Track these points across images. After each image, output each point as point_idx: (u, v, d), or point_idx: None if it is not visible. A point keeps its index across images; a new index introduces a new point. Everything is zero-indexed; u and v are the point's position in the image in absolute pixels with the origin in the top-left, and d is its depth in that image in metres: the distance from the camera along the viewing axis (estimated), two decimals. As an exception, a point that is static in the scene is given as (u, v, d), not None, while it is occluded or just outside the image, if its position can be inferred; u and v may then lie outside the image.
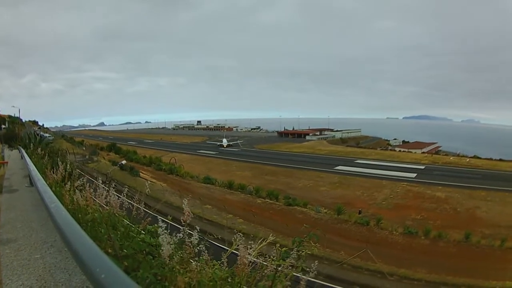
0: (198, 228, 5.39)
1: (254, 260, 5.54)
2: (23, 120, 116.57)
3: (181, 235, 5.33)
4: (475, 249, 46.52)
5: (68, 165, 12.84)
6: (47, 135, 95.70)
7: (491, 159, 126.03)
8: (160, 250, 5.06)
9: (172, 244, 5.06)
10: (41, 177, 11.27)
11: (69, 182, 10.25)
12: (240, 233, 5.69)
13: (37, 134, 48.71)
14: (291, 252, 5.46)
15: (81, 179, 9.83)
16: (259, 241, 5.84)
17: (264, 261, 5.60)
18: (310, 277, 5.43)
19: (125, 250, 5.52)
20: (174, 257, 5.09)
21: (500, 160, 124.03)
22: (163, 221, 5.36)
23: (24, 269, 6.43)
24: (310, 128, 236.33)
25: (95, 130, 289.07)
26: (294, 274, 5.49)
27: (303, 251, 5.55)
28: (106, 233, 6.18)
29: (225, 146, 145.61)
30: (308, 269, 5.42)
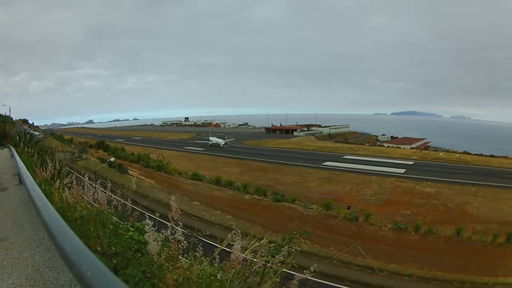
0: (181, 224, 5.23)
1: (244, 257, 5.48)
2: (14, 119, 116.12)
3: (168, 232, 5.27)
4: (466, 245, 46.64)
5: (57, 163, 12.91)
6: (36, 133, 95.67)
7: (481, 155, 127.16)
8: (147, 248, 5.03)
9: (159, 241, 5.03)
10: (30, 175, 11.16)
11: (58, 180, 10.43)
12: (237, 230, 5.50)
13: (27, 133, 48.41)
14: (282, 249, 5.42)
15: (69, 176, 9.80)
16: (250, 239, 5.95)
17: (254, 258, 5.58)
18: (300, 274, 5.27)
19: (113, 248, 5.51)
20: (162, 254, 5.03)
21: (491, 156, 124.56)
22: (150, 218, 5.35)
23: (14, 268, 6.38)
24: (298, 124, 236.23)
25: (84, 127, 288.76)
26: (285, 270, 5.52)
27: (292, 248, 5.55)
28: (95, 231, 6.19)
29: (222, 145, 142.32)
30: (296, 267, 5.41)
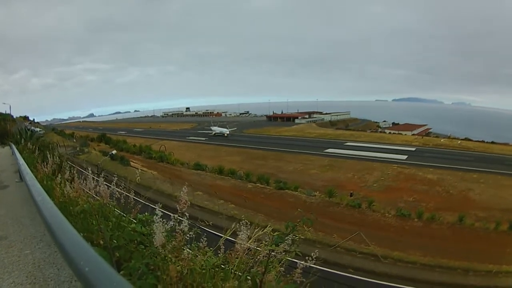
0: (187, 215, 5.21)
1: (248, 246, 5.52)
2: (14, 117, 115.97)
3: (172, 223, 5.18)
4: (469, 232, 46.60)
5: (58, 158, 13.05)
6: (37, 129, 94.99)
7: (483, 141, 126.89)
8: (153, 239, 4.96)
9: (164, 232, 4.95)
10: (30, 171, 11.19)
11: (59, 174, 10.30)
12: (245, 220, 5.53)
13: (28, 129, 48.27)
14: (285, 238, 5.40)
15: (71, 171, 9.78)
16: (254, 227, 5.92)
17: (258, 247, 5.62)
18: (303, 262, 5.25)
19: (115, 241, 5.49)
20: (167, 246, 5.01)
21: (492, 142, 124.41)
22: (158, 209, 5.18)
23: (14, 266, 6.36)
24: (299, 111, 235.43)
25: (85, 121, 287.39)
26: (288, 259, 5.48)
27: (296, 236, 5.50)
28: (97, 225, 6.20)
29: (226, 135, 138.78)
30: (300, 255, 5.32)
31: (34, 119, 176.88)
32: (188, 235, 5.17)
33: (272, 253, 5.28)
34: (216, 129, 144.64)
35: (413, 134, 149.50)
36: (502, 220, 47.68)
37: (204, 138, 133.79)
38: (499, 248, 40.55)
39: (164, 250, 4.96)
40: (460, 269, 35.24)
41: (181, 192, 5.48)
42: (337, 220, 47.73)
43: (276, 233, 5.64)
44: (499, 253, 38.68)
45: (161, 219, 4.92)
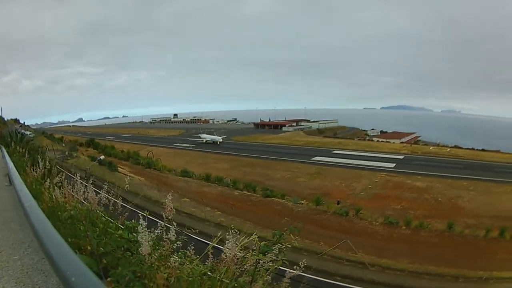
0: (175, 224, 5.30)
1: (235, 254, 5.41)
2: (5, 119, 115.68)
3: (159, 231, 5.28)
4: (458, 239, 46.89)
5: (47, 162, 12.90)
6: (28, 132, 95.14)
7: (473, 149, 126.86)
8: (139, 249, 4.96)
9: (150, 241, 4.98)
10: (18, 176, 11.16)
11: (48, 179, 10.15)
12: (234, 230, 5.53)
13: (19, 132, 48.08)
14: (273, 248, 5.44)
15: (59, 175, 9.96)
16: (240, 236, 5.77)
17: (245, 256, 5.56)
18: (291, 271, 5.44)
19: (101, 248, 5.45)
20: (153, 254, 5.03)
21: (483, 150, 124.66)
22: (143, 217, 5.27)
23: (4, 272, 6.30)
24: (287, 119, 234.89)
25: (74, 126, 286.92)
26: (276, 266, 5.46)
27: (283, 245, 5.53)
28: (84, 231, 6.12)
29: (219, 143, 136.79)
30: (287, 263, 5.43)
31: (24, 122, 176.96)
32: (176, 244, 5.21)
33: (259, 262, 5.33)
34: (207, 137, 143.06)
35: (401, 142, 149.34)
36: (492, 227, 47.95)
37: (191, 145, 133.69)
38: (489, 254, 41.01)
39: (151, 258, 4.96)
40: (450, 276, 35.32)
41: (166, 200, 5.55)
42: (324, 228, 47.95)
43: (263, 242, 5.66)
44: (489, 260, 39.06)
45: (146, 229, 4.94)
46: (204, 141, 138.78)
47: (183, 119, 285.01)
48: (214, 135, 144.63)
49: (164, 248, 5.14)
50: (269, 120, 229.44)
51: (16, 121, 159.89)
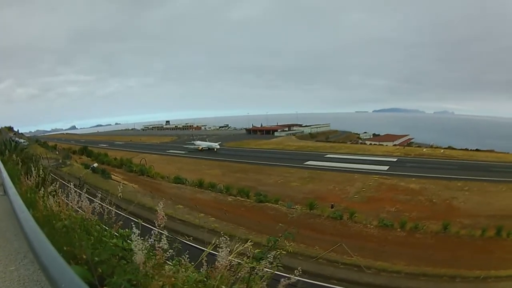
0: (165, 229, 5.45)
1: (230, 261, 5.48)
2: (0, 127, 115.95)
3: (152, 240, 5.34)
4: (454, 240, 47.03)
5: (41, 170, 12.70)
6: (22, 140, 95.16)
7: (467, 149, 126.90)
8: (133, 257, 5.03)
9: (144, 250, 5.02)
10: (13, 185, 10.95)
11: (43, 187, 10.07)
12: (225, 236, 5.61)
13: (13, 140, 47.93)
14: (268, 255, 5.48)
15: (54, 184, 9.86)
16: (235, 242, 5.86)
17: (240, 262, 5.58)
18: (287, 275, 5.40)
19: (96, 258, 5.36)
20: (147, 262, 5.04)
21: (477, 150, 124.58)
22: (137, 225, 5.37)
23: (1, 283, 6.23)
24: (279, 124, 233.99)
25: (68, 133, 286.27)
26: (270, 271, 5.50)
27: (278, 251, 5.62)
28: (79, 240, 6.08)
29: (216, 149, 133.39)
30: (282, 268, 5.57)
31: (18, 130, 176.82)
32: (168, 252, 5.25)
33: (254, 270, 5.32)
34: (202, 144, 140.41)
35: (394, 145, 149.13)
36: (488, 226, 48.20)
37: (184, 152, 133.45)
38: (486, 254, 41.25)
39: (146, 267, 4.96)
40: (446, 276, 35.52)
41: (157, 207, 5.72)
42: (318, 232, 48.05)
43: (257, 250, 5.72)
44: (486, 259, 39.31)
45: (139, 237, 5.00)
46: (200, 148, 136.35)
47: (175, 126, 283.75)
48: (206, 141, 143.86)
49: (157, 257, 5.16)
50: (261, 125, 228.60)
51: (10, 129, 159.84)
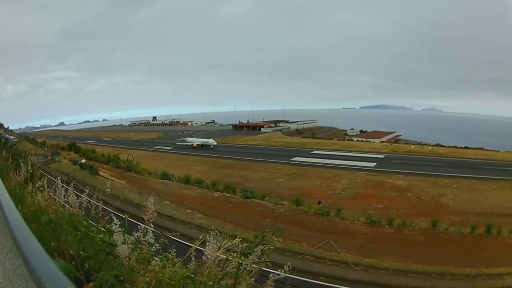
0: (152, 224, 5.33)
1: (217, 256, 5.46)
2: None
3: (138, 234, 5.27)
4: (444, 237, 47.30)
5: (30, 166, 12.70)
6: (11, 137, 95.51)
7: (455, 147, 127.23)
8: (116, 250, 5.05)
9: (129, 243, 5.02)
10: (1, 181, 10.72)
11: (31, 183, 10.01)
12: (215, 230, 5.65)
13: (3, 137, 47.82)
14: (255, 249, 5.51)
15: (42, 179, 9.78)
16: (222, 238, 5.84)
17: (227, 258, 5.59)
18: (275, 272, 5.37)
19: (81, 253, 5.40)
20: (132, 256, 4.99)
21: (466, 147, 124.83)
22: (119, 218, 5.40)
23: None
24: (265, 120, 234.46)
25: (56, 130, 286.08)
26: (257, 267, 5.48)
27: (266, 246, 5.62)
28: (65, 235, 6.11)
29: (212, 146, 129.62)
30: (270, 264, 5.50)
31: (8, 127, 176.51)
32: (154, 246, 5.19)
33: (241, 265, 5.32)
34: (196, 140, 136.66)
35: (381, 141, 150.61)
36: (478, 223, 48.47)
37: (170, 147, 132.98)
38: (476, 251, 41.49)
39: (129, 260, 4.93)
40: (436, 274, 35.51)
41: (148, 203, 5.51)
42: (305, 228, 48.41)
43: (244, 244, 5.71)
44: (477, 257, 39.49)
45: (120, 229, 4.99)
46: (195, 144, 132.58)
47: (162, 122, 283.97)
48: (193, 137, 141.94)
49: (143, 252, 5.09)
50: (248, 121, 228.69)
51: (0, 126, 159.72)
